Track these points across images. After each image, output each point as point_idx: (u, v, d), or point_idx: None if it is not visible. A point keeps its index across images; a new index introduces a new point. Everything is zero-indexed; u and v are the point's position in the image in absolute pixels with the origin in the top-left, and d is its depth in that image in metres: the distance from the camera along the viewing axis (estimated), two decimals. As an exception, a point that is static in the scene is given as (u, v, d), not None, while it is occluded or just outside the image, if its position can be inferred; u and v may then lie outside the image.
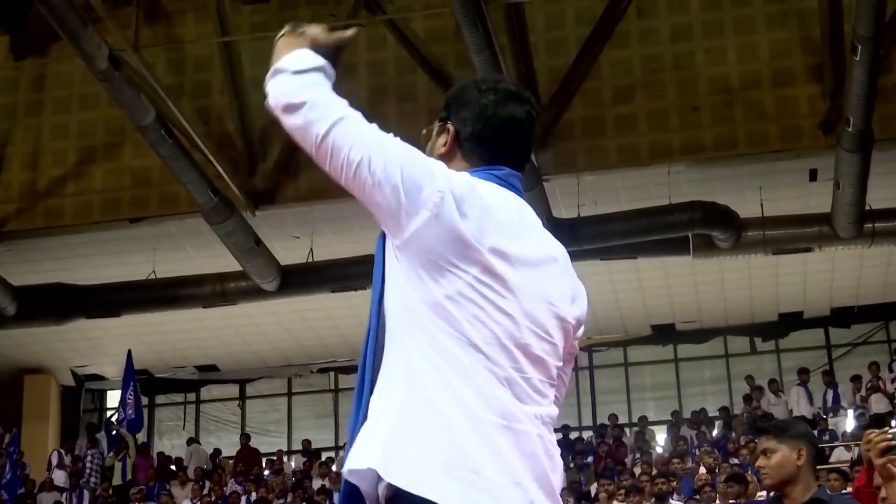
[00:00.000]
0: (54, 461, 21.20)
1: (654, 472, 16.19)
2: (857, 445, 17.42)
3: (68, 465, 21.04)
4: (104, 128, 17.62)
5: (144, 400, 25.26)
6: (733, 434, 19.39)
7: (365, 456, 2.54)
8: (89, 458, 21.10)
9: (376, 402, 2.61)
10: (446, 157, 2.81)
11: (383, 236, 2.69)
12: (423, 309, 2.60)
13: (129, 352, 21.37)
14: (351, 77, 17.18)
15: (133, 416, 21.40)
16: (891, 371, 20.50)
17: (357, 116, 2.64)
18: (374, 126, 2.65)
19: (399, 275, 2.63)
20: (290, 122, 2.69)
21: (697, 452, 18.01)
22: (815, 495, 4.79)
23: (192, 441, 23.14)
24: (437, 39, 16.68)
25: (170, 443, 24.84)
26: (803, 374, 20.95)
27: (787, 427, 4.99)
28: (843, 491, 12.25)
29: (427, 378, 2.55)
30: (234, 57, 16.82)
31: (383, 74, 17.18)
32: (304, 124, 2.65)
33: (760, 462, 4.84)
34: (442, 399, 2.53)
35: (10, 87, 18.10)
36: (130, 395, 21.46)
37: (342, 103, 2.67)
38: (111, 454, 21.49)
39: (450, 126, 2.86)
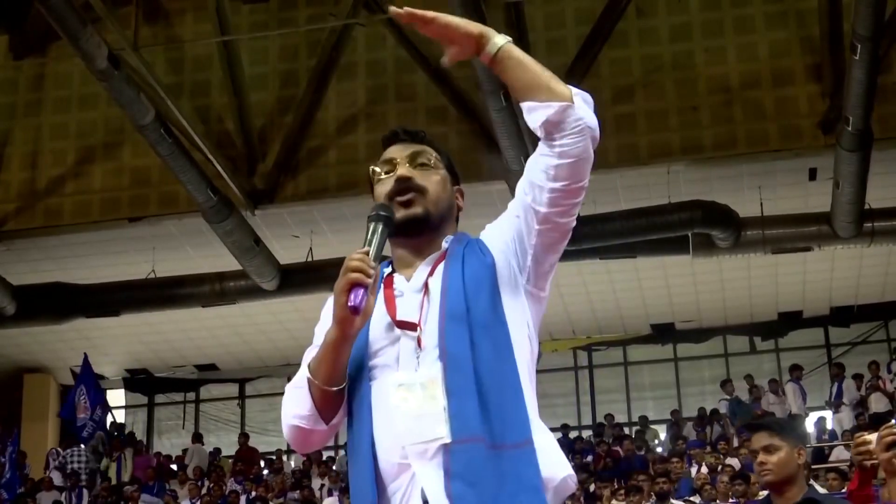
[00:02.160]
0: (51, 461, 21.19)
1: (654, 471, 16.20)
2: (856, 445, 17.42)
3: (59, 461, 21.00)
4: (103, 127, 17.62)
5: (144, 399, 25.32)
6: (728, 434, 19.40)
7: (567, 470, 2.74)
8: (71, 456, 21.05)
9: (537, 424, 2.75)
10: (452, 217, 3.04)
11: (492, 264, 2.84)
12: (533, 359, 2.87)
13: (86, 355, 21.45)
14: (350, 77, 17.19)
15: (86, 422, 21.45)
16: (889, 371, 20.50)
17: None
18: None
19: (529, 317, 2.86)
20: (587, 151, 2.77)
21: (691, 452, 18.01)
22: (808, 495, 4.79)
23: (196, 440, 23.13)
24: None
25: (169, 442, 24.86)
26: (796, 370, 20.95)
27: (789, 426, 4.99)
28: (842, 490, 12.27)
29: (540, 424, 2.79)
30: (234, 56, 16.83)
31: (382, 74, 17.18)
32: (588, 159, 2.78)
33: (762, 458, 4.80)
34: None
35: (10, 86, 18.09)
36: (83, 398, 21.48)
37: None
38: (105, 458, 21.49)
39: (460, 197, 3.11)
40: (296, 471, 21.19)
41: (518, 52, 2.80)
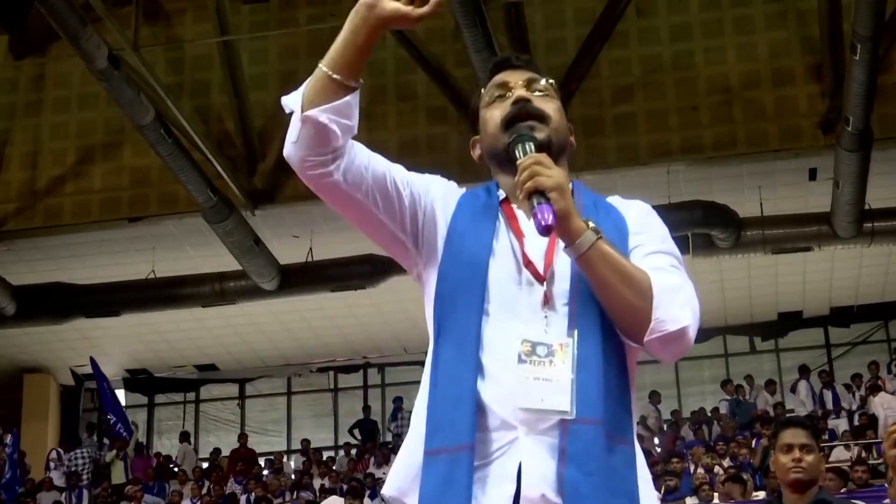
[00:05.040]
0: (52, 462, 21.18)
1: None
2: (856, 445, 17.44)
3: (64, 465, 21.01)
4: (103, 127, 17.62)
5: (144, 399, 25.31)
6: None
7: None
8: (77, 457, 21.06)
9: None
10: (567, 154, 2.76)
11: (627, 237, 2.63)
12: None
13: (92, 359, 21.58)
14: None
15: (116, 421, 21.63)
16: (889, 372, 20.49)
17: None
18: None
19: None
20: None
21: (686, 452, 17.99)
22: (819, 496, 4.78)
23: (184, 440, 23.08)
24: (436, 39, 16.67)
25: (169, 442, 24.81)
26: (805, 371, 20.99)
27: (818, 430, 4.95)
28: (842, 491, 12.27)
29: None
30: (234, 56, 16.82)
31: (383, 74, 17.17)
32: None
33: (799, 455, 4.71)
34: None
35: (10, 86, 18.09)
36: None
37: None
38: (112, 452, 21.49)
39: (572, 134, 2.82)
40: (296, 471, 21.18)
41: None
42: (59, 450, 21.67)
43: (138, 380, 24.72)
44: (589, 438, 2.36)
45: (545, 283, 2.51)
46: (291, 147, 2.54)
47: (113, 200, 17.41)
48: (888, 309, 22.36)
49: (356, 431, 22.50)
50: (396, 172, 2.67)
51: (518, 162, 2.50)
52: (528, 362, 2.42)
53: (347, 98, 2.54)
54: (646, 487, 2.48)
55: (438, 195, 2.72)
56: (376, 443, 21.79)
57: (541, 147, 2.57)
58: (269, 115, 17.25)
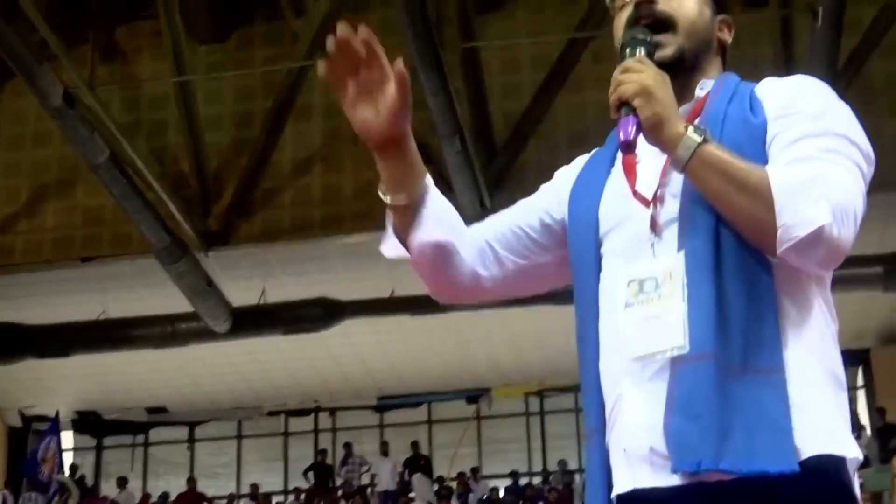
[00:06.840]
0: (-1, 503, 20.93)
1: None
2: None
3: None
4: (57, 166, 17.51)
5: (92, 442, 25.02)
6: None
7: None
8: (29, 499, 20.83)
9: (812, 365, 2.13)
10: (713, 52, 2.37)
11: (762, 127, 2.15)
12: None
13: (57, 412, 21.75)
14: (306, 118, 17.17)
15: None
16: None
17: None
18: None
19: None
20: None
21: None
22: None
23: (121, 485, 22.72)
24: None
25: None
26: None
27: None
28: None
29: None
30: (190, 96, 16.78)
31: (339, 116, 17.06)
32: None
33: None
34: None
35: (-37, 123, 17.97)
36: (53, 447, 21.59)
37: None
38: (56, 499, 21.22)
39: (726, 29, 2.39)
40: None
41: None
42: (6, 491, 21.39)
43: (87, 421, 24.45)
44: (695, 377, 2.00)
45: (652, 206, 2.17)
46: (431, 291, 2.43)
47: (65, 240, 17.27)
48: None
49: (310, 475, 22.31)
50: (518, 210, 2.57)
51: None
52: (635, 304, 2.11)
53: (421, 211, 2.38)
54: (815, 422, 2.02)
55: (563, 180, 2.54)
56: (327, 487, 21.65)
57: (665, 65, 2.18)
58: (225, 155, 17.21)
